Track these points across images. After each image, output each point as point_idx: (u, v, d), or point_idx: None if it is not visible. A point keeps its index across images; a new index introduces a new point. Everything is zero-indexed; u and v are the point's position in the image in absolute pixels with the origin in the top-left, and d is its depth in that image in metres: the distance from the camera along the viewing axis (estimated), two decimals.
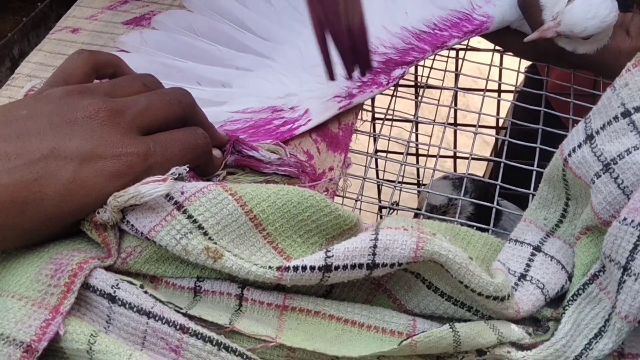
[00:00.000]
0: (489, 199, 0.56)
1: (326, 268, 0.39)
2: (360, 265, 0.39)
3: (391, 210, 0.54)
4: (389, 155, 0.89)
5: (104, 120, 0.41)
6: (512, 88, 0.67)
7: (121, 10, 0.71)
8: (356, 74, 0.57)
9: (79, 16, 0.71)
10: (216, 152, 0.48)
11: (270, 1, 0.66)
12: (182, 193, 0.40)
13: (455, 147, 0.91)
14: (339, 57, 0.55)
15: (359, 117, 0.60)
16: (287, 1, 0.66)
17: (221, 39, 0.63)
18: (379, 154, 0.67)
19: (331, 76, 0.56)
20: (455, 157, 0.95)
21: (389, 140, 0.63)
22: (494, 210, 0.54)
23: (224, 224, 0.40)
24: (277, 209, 0.41)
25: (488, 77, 0.67)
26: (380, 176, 0.97)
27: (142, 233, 0.40)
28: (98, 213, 0.39)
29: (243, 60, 0.61)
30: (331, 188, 0.52)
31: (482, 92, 0.66)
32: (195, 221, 0.39)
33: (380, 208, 1.02)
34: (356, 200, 0.54)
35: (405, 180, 0.94)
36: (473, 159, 0.59)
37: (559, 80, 0.67)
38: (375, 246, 0.39)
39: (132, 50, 0.62)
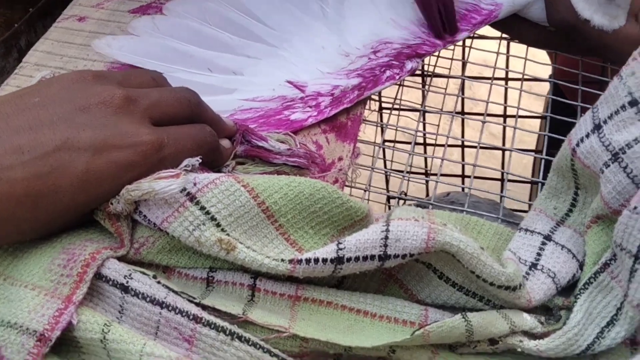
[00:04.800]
0: None
1: (338, 260, 0.39)
2: (372, 257, 0.39)
3: (400, 201, 0.54)
4: (397, 145, 0.89)
5: (117, 107, 0.40)
6: (520, 76, 0.67)
7: None
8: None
9: (85, 4, 0.70)
10: (225, 143, 0.48)
11: None
12: (195, 184, 0.40)
13: (463, 135, 0.91)
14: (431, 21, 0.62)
15: (367, 107, 0.59)
16: None
17: (232, 28, 0.62)
18: (386, 144, 0.67)
19: (438, 35, 0.63)
20: (463, 146, 0.94)
21: (396, 130, 0.63)
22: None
23: (236, 216, 0.40)
24: (289, 201, 0.41)
25: (495, 65, 0.67)
26: (388, 166, 0.97)
27: (154, 224, 0.40)
28: (111, 203, 0.40)
29: (254, 49, 0.61)
30: (340, 178, 0.52)
31: (489, 81, 0.66)
32: (207, 212, 0.39)
33: (389, 198, 1.02)
34: (365, 191, 0.54)
35: (413, 170, 0.94)
36: (481, 147, 0.59)
37: (566, 67, 0.67)
38: (386, 237, 0.39)
39: (143, 35, 0.62)
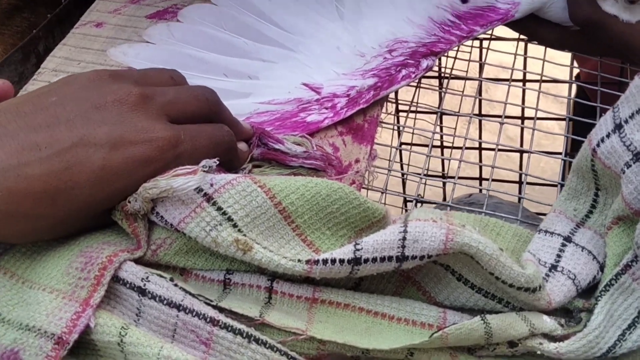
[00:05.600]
0: None
1: (355, 261, 0.39)
2: (390, 258, 0.39)
3: (416, 203, 0.54)
4: (414, 147, 0.89)
5: (134, 105, 0.41)
6: (537, 77, 0.66)
7: (144, 4, 0.71)
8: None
9: (102, 10, 0.71)
10: (242, 146, 0.48)
11: None
12: (212, 185, 0.40)
13: (480, 137, 0.91)
14: None
15: (384, 109, 0.59)
16: None
17: (247, 32, 0.63)
18: (403, 146, 0.67)
19: None
20: (480, 148, 0.94)
21: (412, 132, 0.62)
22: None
23: (253, 216, 0.40)
24: (306, 201, 0.41)
25: (513, 67, 0.67)
26: (405, 169, 0.97)
27: (171, 224, 0.40)
28: (129, 202, 0.40)
29: (268, 52, 0.61)
30: (357, 180, 0.52)
31: (506, 83, 0.65)
32: (224, 213, 0.39)
33: (405, 201, 1.02)
34: (382, 193, 0.53)
35: (430, 173, 0.94)
36: (500, 149, 0.58)
37: (594, 70, 0.66)
38: (404, 238, 0.39)
39: (159, 43, 0.62)
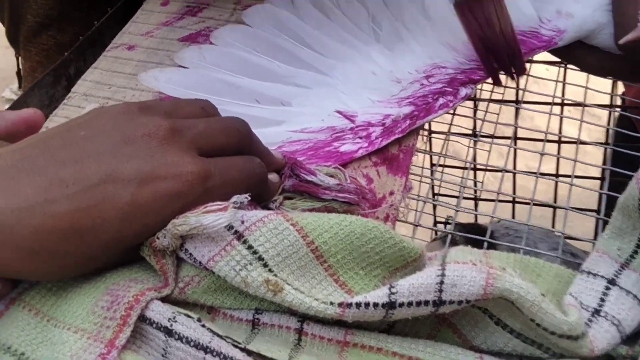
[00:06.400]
0: None
1: (390, 305, 0.37)
2: (426, 302, 0.37)
3: (446, 225, 0.52)
4: (447, 169, 0.87)
5: (163, 139, 0.40)
6: (576, 102, 0.64)
7: (177, 27, 0.70)
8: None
9: (134, 33, 0.70)
10: (273, 177, 0.47)
11: (330, 17, 0.65)
12: (243, 222, 0.39)
13: (515, 167, 0.88)
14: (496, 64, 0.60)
15: (420, 136, 0.58)
16: (347, 17, 0.65)
17: (280, 56, 0.61)
18: (435, 169, 0.65)
19: (496, 82, 0.61)
20: (515, 171, 0.91)
21: (445, 156, 0.60)
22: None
23: (284, 255, 0.39)
24: (340, 240, 0.40)
25: (554, 94, 0.65)
26: (436, 191, 0.95)
27: (200, 262, 0.39)
28: (158, 238, 0.38)
29: (302, 77, 0.60)
30: (392, 214, 0.50)
31: (545, 108, 0.63)
32: (255, 252, 0.38)
33: (435, 222, 1.00)
34: (415, 226, 0.52)
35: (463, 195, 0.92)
36: (541, 175, 0.56)
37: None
38: (442, 282, 0.37)
39: (191, 67, 0.61)
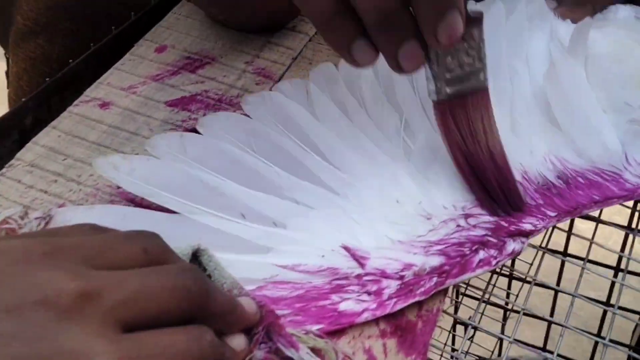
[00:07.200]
0: None
1: None
2: None
3: None
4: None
5: (65, 310, 0.26)
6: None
7: (168, 84, 0.57)
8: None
9: (114, 84, 0.57)
10: (237, 343, 0.33)
11: (352, 119, 0.51)
12: None
13: (552, 314, 0.74)
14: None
15: (448, 295, 0.43)
16: (374, 121, 0.52)
17: (281, 160, 0.48)
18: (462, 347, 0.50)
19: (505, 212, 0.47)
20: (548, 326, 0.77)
21: (476, 328, 0.46)
22: None
23: None
24: None
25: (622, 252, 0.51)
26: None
27: None
28: None
29: (305, 192, 0.46)
30: None
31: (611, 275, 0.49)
32: None
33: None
34: None
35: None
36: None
37: None
38: None
39: (165, 157, 0.47)
